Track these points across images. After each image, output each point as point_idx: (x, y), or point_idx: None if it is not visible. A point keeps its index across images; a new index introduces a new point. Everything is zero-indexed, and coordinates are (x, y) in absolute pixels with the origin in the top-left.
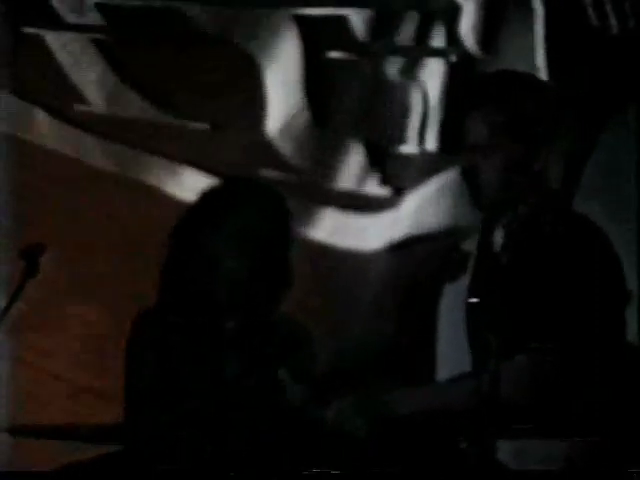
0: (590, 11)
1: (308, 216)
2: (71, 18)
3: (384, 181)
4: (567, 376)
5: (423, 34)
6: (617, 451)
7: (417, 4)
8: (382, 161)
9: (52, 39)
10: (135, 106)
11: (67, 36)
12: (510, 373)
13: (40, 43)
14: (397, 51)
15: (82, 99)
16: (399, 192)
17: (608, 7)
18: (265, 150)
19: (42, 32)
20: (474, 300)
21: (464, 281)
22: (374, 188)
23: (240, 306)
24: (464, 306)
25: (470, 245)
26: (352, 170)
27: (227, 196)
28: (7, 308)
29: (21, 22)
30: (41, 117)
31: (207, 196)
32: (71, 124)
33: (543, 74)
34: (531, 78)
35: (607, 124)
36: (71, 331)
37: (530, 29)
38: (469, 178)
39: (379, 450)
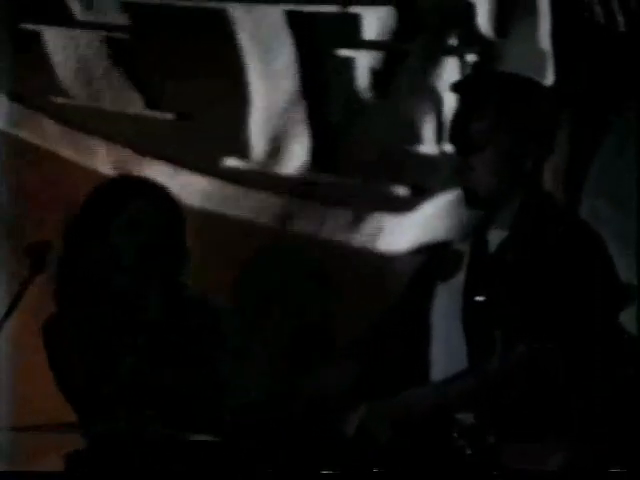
0: (597, 8)
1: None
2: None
3: (403, 181)
4: (563, 371)
5: (439, 32)
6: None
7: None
8: (401, 161)
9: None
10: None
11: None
12: (511, 366)
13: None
14: (412, 50)
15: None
16: (420, 192)
17: (615, 5)
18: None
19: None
20: (481, 298)
21: (458, 280)
22: (394, 188)
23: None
24: (460, 304)
25: (461, 244)
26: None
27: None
28: (14, 304)
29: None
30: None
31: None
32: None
33: (549, 71)
34: (528, 80)
35: (610, 124)
36: None
37: (536, 25)
38: (462, 177)
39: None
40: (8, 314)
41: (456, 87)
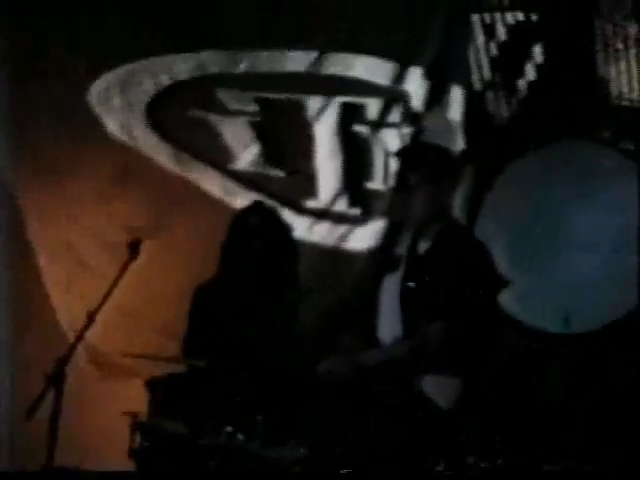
0: (490, 99)
1: (314, 228)
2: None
3: (360, 206)
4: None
5: (387, 112)
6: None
7: (384, 94)
8: (359, 194)
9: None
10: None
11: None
12: (431, 333)
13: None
14: (371, 124)
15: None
16: (369, 213)
17: (500, 97)
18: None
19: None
20: (411, 284)
21: (399, 273)
22: (353, 210)
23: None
24: (399, 290)
25: (401, 250)
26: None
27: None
28: (114, 284)
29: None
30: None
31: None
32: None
33: (459, 139)
34: (441, 148)
35: (504, 171)
36: None
37: (449, 109)
38: (401, 208)
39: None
40: (108, 294)
41: (397, 154)
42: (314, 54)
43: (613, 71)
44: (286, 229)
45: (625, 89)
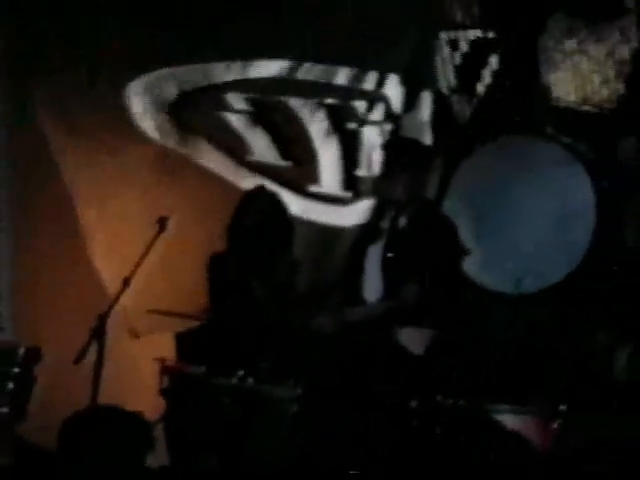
0: (455, 102)
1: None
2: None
3: (349, 189)
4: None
5: (370, 112)
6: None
7: (365, 97)
8: (350, 179)
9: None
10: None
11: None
12: (407, 294)
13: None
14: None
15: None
16: (357, 195)
17: (463, 102)
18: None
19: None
20: (390, 254)
21: (381, 244)
22: (343, 193)
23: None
24: (380, 257)
25: (383, 224)
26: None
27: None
28: (141, 260)
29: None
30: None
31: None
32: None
33: (428, 134)
34: (417, 142)
35: (466, 160)
36: None
37: (421, 110)
38: (384, 190)
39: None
40: (137, 266)
41: (382, 146)
42: (308, 64)
43: (553, 78)
44: (284, 209)
45: (562, 93)
